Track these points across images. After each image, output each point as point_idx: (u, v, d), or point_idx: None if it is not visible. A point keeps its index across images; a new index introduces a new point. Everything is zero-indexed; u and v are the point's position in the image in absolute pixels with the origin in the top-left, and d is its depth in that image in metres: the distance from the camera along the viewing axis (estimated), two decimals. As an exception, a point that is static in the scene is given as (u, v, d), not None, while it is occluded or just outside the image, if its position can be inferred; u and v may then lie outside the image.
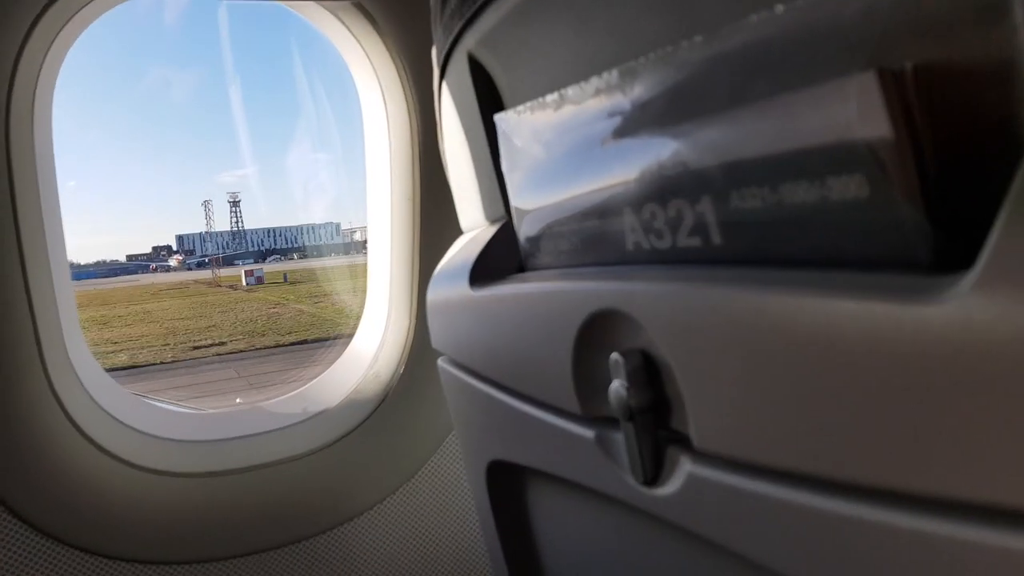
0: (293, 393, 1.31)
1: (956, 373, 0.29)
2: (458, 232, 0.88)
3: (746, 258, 0.43)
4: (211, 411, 1.28)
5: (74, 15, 1.02)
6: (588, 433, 0.55)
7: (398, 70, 1.16)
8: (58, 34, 1.01)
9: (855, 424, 0.34)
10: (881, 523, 0.33)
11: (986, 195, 0.30)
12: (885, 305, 0.32)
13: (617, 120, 0.50)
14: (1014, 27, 0.29)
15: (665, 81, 0.44)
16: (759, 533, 0.41)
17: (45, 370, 1.05)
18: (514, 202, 0.67)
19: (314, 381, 1.33)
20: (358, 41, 1.18)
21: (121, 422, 1.15)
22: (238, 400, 1.33)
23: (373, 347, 1.31)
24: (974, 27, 0.31)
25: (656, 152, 0.46)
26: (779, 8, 0.35)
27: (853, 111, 0.33)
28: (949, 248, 0.32)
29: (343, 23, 1.16)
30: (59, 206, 1.11)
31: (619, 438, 0.52)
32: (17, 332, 1.02)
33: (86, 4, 1.03)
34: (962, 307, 0.28)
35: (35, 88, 1.01)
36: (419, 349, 1.27)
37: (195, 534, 1.15)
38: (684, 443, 0.46)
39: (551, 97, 0.57)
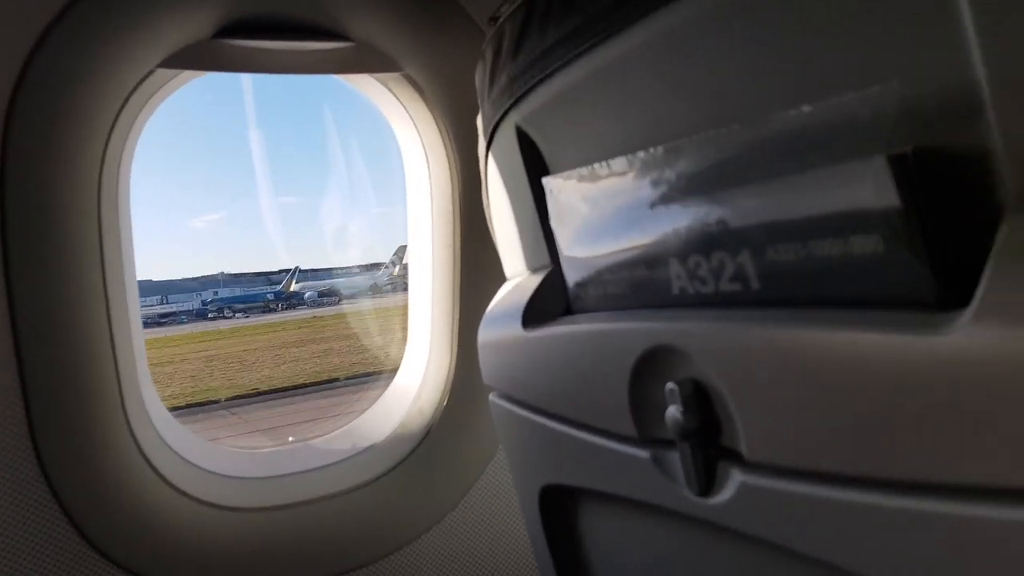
0: (341, 430, 1.39)
1: (959, 389, 0.38)
2: (495, 278, 0.97)
3: (780, 300, 0.52)
4: (266, 449, 1.36)
5: (158, 90, 1.15)
6: (644, 454, 0.64)
7: (441, 134, 1.28)
8: (145, 105, 1.14)
9: (878, 431, 0.43)
10: (907, 509, 0.42)
11: (977, 248, 0.40)
12: (898, 337, 0.41)
13: (664, 187, 0.59)
14: (989, 122, 0.39)
15: (708, 158, 0.54)
16: (804, 528, 0.50)
17: (125, 412, 1.14)
18: (564, 252, 0.76)
19: (360, 417, 1.42)
20: (405, 108, 1.30)
21: (187, 460, 1.23)
22: (290, 439, 1.40)
23: (416, 384, 1.39)
24: (960, 121, 0.41)
25: (700, 214, 0.56)
26: (806, 108, 0.45)
27: (871, 188, 0.43)
28: (949, 291, 0.41)
29: (392, 92, 1.29)
30: (134, 261, 1.21)
31: (673, 456, 0.61)
32: (104, 377, 1.12)
33: (172, 79, 1.16)
34: (961, 338, 0.38)
35: (122, 151, 1.13)
36: (460, 385, 1.36)
37: (251, 567, 1.21)
38: (734, 457, 0.55)
39: (598, 166, 0.67)
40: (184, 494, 1.18)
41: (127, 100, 1.07)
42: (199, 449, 1.28)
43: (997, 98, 0.38)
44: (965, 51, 0.38)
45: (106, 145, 1.07)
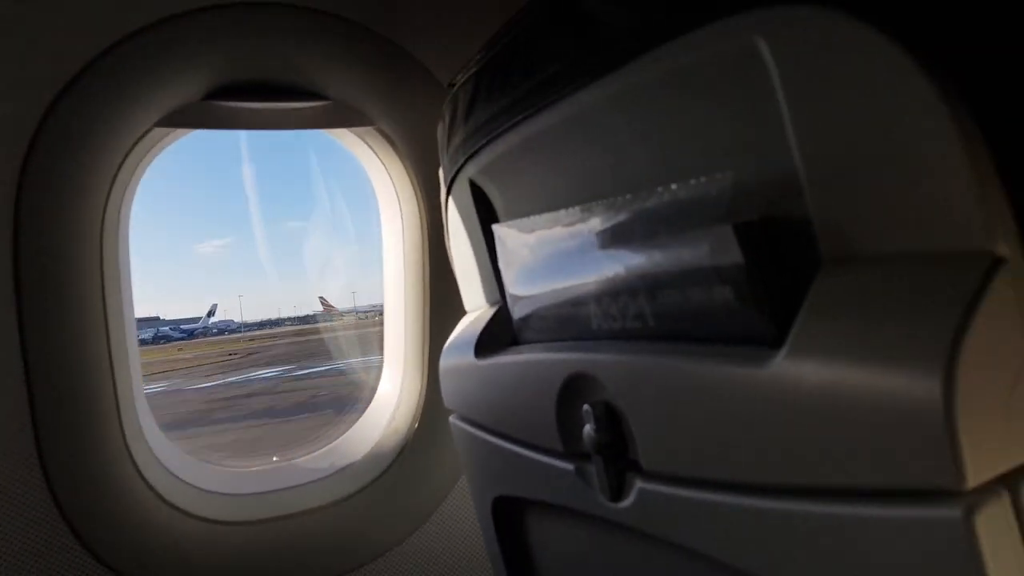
0: (323, 450, 1.49)
1: (782, 410, 0.49)
2: (461, 309, 1.08)
3: (670, 335, 0.63)
4: (252, 468, 1.46)
5: (153, 147, 1.27)
6: (569, 466, 0.74)
7: (411, 181, 1.40)
8: (142, 159, 1.27)
9: (737, 443, 0.53)
10: (769, 508, 0.52)
11: (802, 298, 0.51)
12: (741, 369, 0.52)
13: (582, 239, 0.71)
14: (805, 201, 0.50)
15: (609, 219, 0.66)
16: (693, 528, 0.60)
17: (123, 433, 1.24)
18: (509, 290, 0.87)
19: (340, 439, 1.52)
20: (379, 158, 1.43)
21: (178, 477, 1.33)
22: (274, 458, 1.50)
23: (391, 407, 1.50)
24: (787, 198, 0.52)
25: (608, 264, 0.68)
26: (673, 186, 0.57)
27: (722, 249, 0.54)
28: (781, 332, 0.52)
29: (367, 144, 1.42)
30: (132, 299, 1.32)
31: (591, 468, 0.71)
32: (104, 402, 1.23)
33: (166, 136, 1.29)
34: (779, 370, 0.49)
35: (121, 201, 1.26)
36: (430, 408, 1.47)
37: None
38: (636, 467, 0.65)
39: (535, 218, 0.79)
40: (176, 508, 1.28)
41: (127, 156, 1.19)
42: (190, 467, 1.38)
43: (812, 181, 0.50)
44: (786, 142, 0.50)
45: (108, 197, 1.19)
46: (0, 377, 1.14)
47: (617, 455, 0.67)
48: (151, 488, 1.26)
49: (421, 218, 1.41)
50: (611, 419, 0.67)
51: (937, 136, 0.42)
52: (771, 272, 0.53)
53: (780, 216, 0.53)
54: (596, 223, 0.68)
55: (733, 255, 0.54)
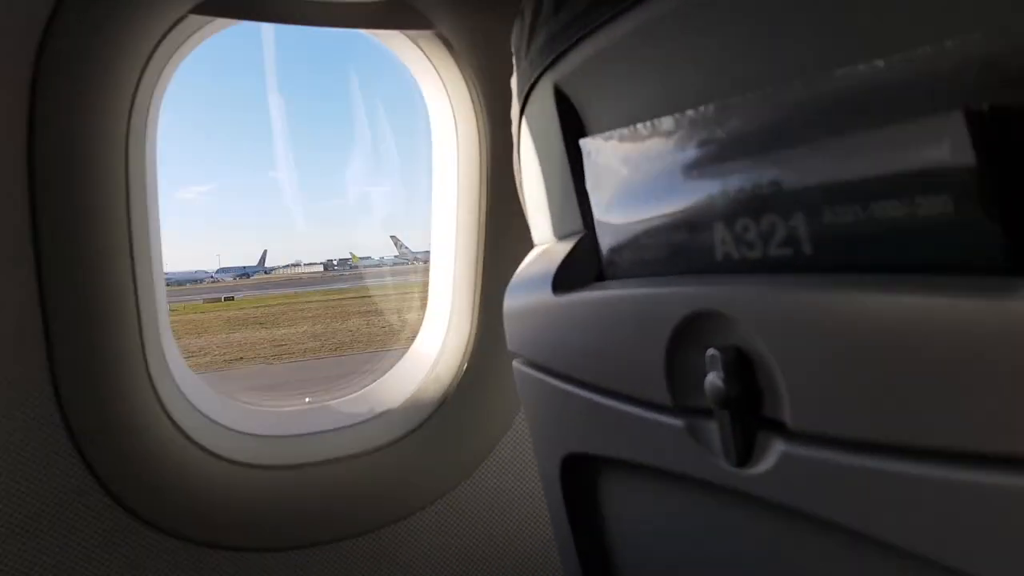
0: (360, 392, 1.39)
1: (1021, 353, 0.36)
2: (520, 245, 0.96)
3: (833, 266, 0.50)
4: (286, 408, 1.36)
5: (187, 39, 1.13)
6: (678, 422, 0.62)
7: (471, 96, 1.25)
8: (175, 52, 1.12)
9: (937, 399, 0.41)
10: (959, 480, 0.41)
11: None
12: (965, 301, 0.39)
13: (713, 147, 0.57)
14: None
15: (764, 116, 0.52)
16: (846, 499, 0.48)
17: (148, 369, 1.15)
18: (600, 217, 0.74)
19: (379, 381, 1.41)
20: (435, 67, 1.27)
21: (206, 416, 1.24)
22: (307, 400, 1.40)
23: (434, 351, 1.38)
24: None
25: (752, 175, 0.54)
26: (879, 62, 0.43)
27: (945, 145, 0.40)
28: (1022, 256, 0.39)
29: (422, 51, 1.26)
30: (159, 219, 1.20)
31: (708, 425, 0.59)
32: (128, 335, 1.12)
33: (198, 29, 1.14)
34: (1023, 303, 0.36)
35: (151, 99, 1.12)
36: (479, 354, 1.35)
37: (270, 524, 1.22)
38: (775, 427, 0.53)
39: (641, 126, 0.65)
40: (203, 448, 1.19)
41: (157, 45, 1.05)
42: (219, 406, 1.28)
43: None
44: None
45: (136, 91, 1.06)
46: (14, 301, 1.04)
47: (749, 411, 0.55)
48: (176, 426, 1.17)
49: (480, 139, 1.27)
50: (743, 367, 0.55)
51: None
52: (1013, 177, 0.40)
53: (1018, 107, 0.40)
54: (736, 124, 0.55)
55: (963, 152, 0.40)
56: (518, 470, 1.38)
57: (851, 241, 0.48)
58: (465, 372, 1.36)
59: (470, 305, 1.35)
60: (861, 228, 0.47)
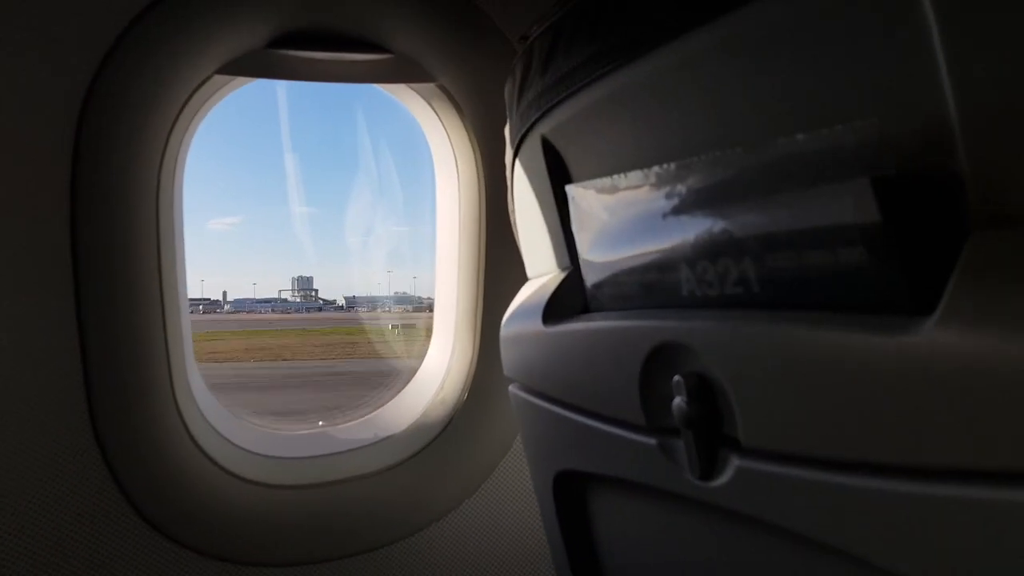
0: (370, 415, 1.48)
1: (926, 384, 0.44)
2: (516, 278, 1.04)
3: (778, 303, 0.58)
4: (303, 432, 1.45)
5: (212, 95, 1.25)
6: (651, 441, 0.70)
7: (470, 141, 1.36)
8: (200, 108, 1.24)
9: (858, 420, 0.48)
10: (884, 489, 0.48)
11: (947, 262, 0.46)
12: (875, 338, 0.47)
13: (676, 199, 0.66)
14: (959, 152, 0.45)
15: (715, 175, 0.61)
16: (794, 508, 0.56)
17: (174, 393, 1.24)
18: (584, 255, 0.82)
19: (387, 405, 1.50)
20: (439, 117, 1.38)
21: (227, 439, 1.33)
22: (320, 423, 1.49)
23: (439, 376, 1.47)
24: (934, 151, 0.47)
25: (708, 224, 0.62)
26: (800, 136, 0.52)
27: (857, 205, 0.49)
28: (921, 299, 0.47)
29: (427, 101, 1.37)
30: (185, 256, 1.30)
31: (677, 443, 0.67)
32: (156, 364, 1.21)
33: (225, 85, 1.26)
34: (927, 339, 0.44)
35: (179, 152, 1.24)
36: (481, 378, 1.43)
37: (280, 541, 1.30)
38: (732, 444, 0.61)
39: (617, 177, 0.74)
40: (225, 470, 1.27)
41: (186, 103, 1.16)
42: (238, 429, 1.37)
43: (966, 132, 0.44)
44: (939, 90, 0.44)
45: (165, 146, 1.16)
46: (55, 335, 1.13)
47: (710, 430, 0.63)
48: (201, 450, 1.25)
49: (479, 181, 1.37)
50: (704, 391, 0.62)
51: None
52: (913, 231, 0.48)
53: (921, 171, 0.48)
54: (694, 180, 0.63)
55: (870, 212, 0.48)
56: (519, 488, 1.46)
57: (790, 283, 0.56)
58: (468, 396, 1.44)
59: (472, 333, 1.44)
60: (796, 272, 0.55)
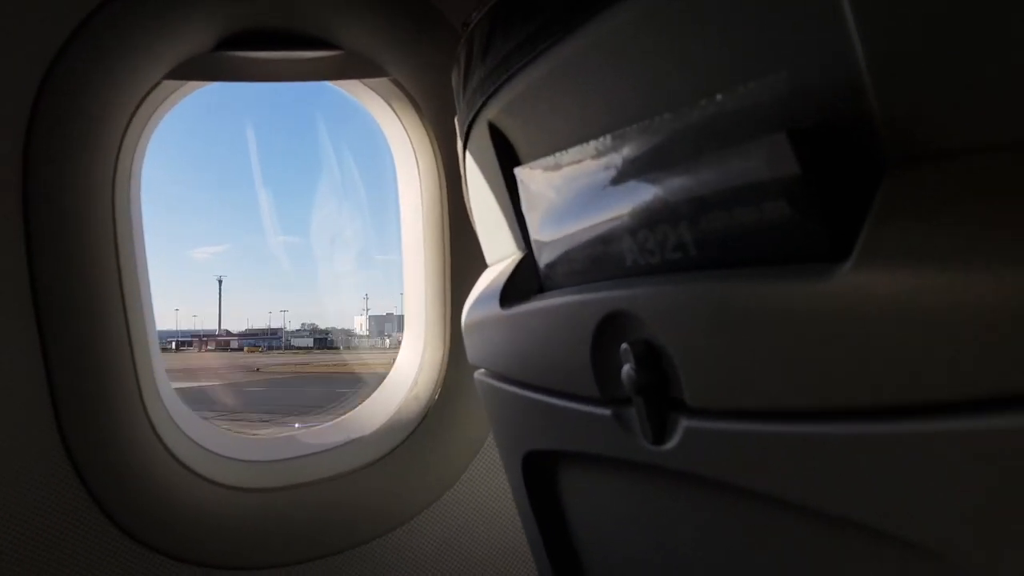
0: (345, 416, 1.48)
1: (847, 325, 0.45)
2: (483, 265, 1.05)
3: (714, 263, 0.59)
4: (273, 436, 1.44)
5: (163, 102, 1.24)
6: (606, 412, 0.71)
7: (427, 134, 1.36)
8: (152, 114, 1.24)
9: (792, 368, 0.50)
10: (827, 434, 0.49)
11: (865, 208, 0.47)
12: (798, 286, 0.48)
13: (613, 171, 0.67)
14: (870, 99, 0.46)
15: (645, 143, 0.61)
16: (743, 463, 0.57)
17: (140, 394, 1.24)
18: (534, 236, 0.83)
19: (362, 404, 1.50)
20: (393, 110, 1.39)
21: (197, 443, 1.32)
22: (296, 426, 1.49)
23: (412, 372, 1.47)
24: (846, 99, 0.48)
25: (644, 193, 0.63)
26: (719, 96, 0.53)
27: (776, 160, 0.50)
28: (842, 245, 0.48)
29: (382, 97, 1.38)
30: (147, 261, 1.29)
31: (630, 412, 0.68)
32: (120, 359, 1.21)
33: (175, 90, 1.26)
34: (845, 282, 0.45)
35: (132, 158, 1.23)
36: (453, 371, 1.44)
37: (255, 544, 1.30)
38: (680, 406, 0.62)
39: (560, 155, 0.74)
40: (195, 473, 1.27)
41: (136, 110, 1.16)
42: (208, 433, 1.36)
43: (875, 76, 0.45)
44: (848, 38, 0.46)
45: (118, 152, 1.16)
46: (15, 341, 1.12)
47: (659, 395, 0.64)
48: (170, 452, 1.25)
49: (439, 172, 1.38)
50: (651, 358, 0.63)
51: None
52: (831, 180, 0.49)
53: (835, 120, 0.49)
54: (629, 150, 0.64)
55: (789, 165, 0.49)
56: (497, 479, 1.47)
57: (723, 243, 0.57)
58: (442, 390, 1.44)
59: (442, 326, 1.44)
60: (729, 232, 0.56)
